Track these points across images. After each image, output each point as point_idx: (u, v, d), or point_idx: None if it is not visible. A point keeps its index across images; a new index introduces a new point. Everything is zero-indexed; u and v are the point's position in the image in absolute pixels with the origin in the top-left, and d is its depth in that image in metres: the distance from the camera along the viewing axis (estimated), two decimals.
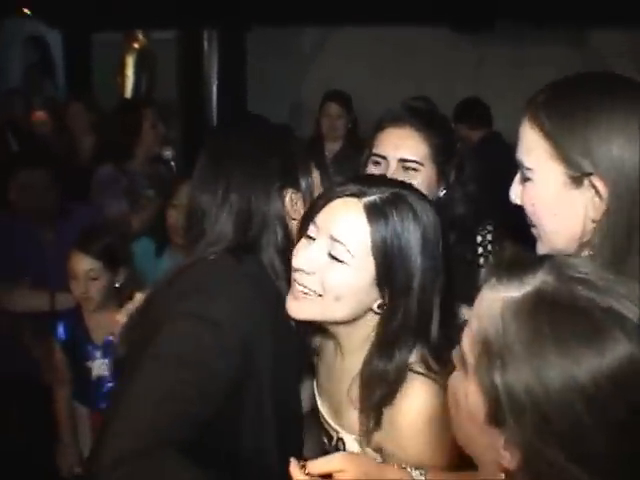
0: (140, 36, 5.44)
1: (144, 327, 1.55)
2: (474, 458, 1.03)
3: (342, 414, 1.57)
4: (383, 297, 1.43)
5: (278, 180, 1.58)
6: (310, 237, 1.46)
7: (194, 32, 5.43)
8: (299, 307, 1.47)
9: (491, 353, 0.90)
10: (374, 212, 1.39)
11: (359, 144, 3.93)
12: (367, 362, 1.47)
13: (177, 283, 1.55)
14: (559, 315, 0.87)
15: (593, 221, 1.25)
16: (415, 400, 1.43)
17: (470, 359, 0.95)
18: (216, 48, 5.43)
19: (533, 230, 1.36)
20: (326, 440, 1.66)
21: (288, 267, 1.52)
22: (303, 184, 1.62)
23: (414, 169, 1.93)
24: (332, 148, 4.56)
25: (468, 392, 0.96)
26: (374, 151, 1.99)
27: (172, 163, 3.93)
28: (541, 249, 1.35)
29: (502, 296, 0.92)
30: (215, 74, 5.45)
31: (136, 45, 5.45)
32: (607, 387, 0.84)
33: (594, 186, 1.23)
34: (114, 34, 5.63)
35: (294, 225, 1.60)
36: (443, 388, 1.29)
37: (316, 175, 1.66)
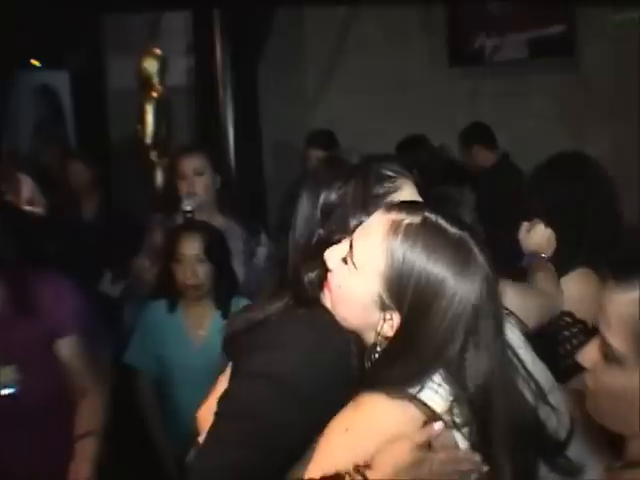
0: (157, 85, 5.64)
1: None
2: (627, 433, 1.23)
3: None
4: None
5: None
6: None
7: (208, 79, 5.66)
8: None
9: None
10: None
11: None
12: None
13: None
14: None
15: (378, 334, 1.32)
16: None
17: (625, 350, 1.15)
18: (230, 94, 5.65)
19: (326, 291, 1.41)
20: None
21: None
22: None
23: None
24: None
25: (632, 380, 1.15)
26: None
27: None
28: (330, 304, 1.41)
29: None
30: (231, 120, 5.61)
31: (154, 93, 5.63)
32: None
33: (392, 318, 1.30)
34: (129, 82, 5.82)
35: None
36: None
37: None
